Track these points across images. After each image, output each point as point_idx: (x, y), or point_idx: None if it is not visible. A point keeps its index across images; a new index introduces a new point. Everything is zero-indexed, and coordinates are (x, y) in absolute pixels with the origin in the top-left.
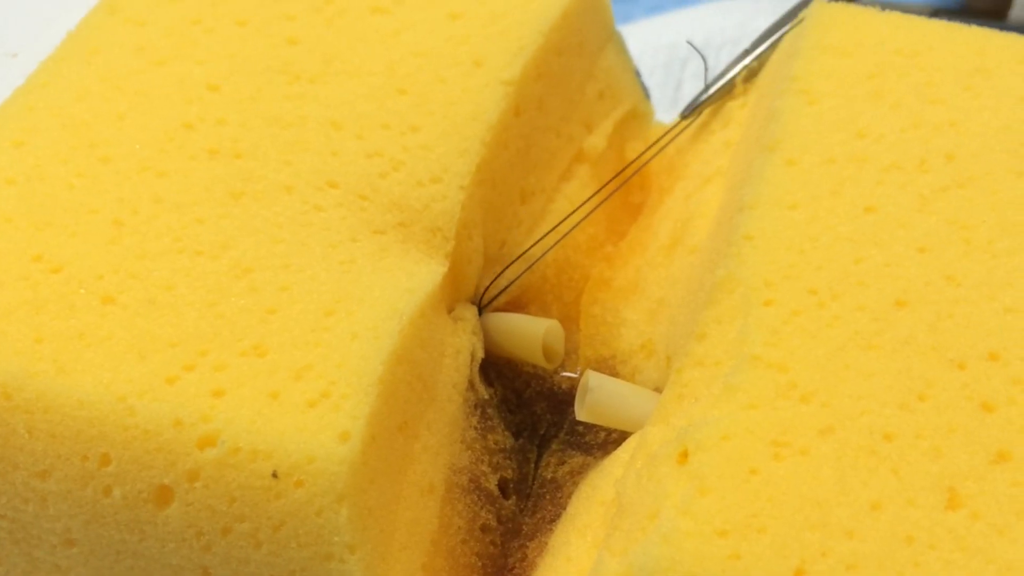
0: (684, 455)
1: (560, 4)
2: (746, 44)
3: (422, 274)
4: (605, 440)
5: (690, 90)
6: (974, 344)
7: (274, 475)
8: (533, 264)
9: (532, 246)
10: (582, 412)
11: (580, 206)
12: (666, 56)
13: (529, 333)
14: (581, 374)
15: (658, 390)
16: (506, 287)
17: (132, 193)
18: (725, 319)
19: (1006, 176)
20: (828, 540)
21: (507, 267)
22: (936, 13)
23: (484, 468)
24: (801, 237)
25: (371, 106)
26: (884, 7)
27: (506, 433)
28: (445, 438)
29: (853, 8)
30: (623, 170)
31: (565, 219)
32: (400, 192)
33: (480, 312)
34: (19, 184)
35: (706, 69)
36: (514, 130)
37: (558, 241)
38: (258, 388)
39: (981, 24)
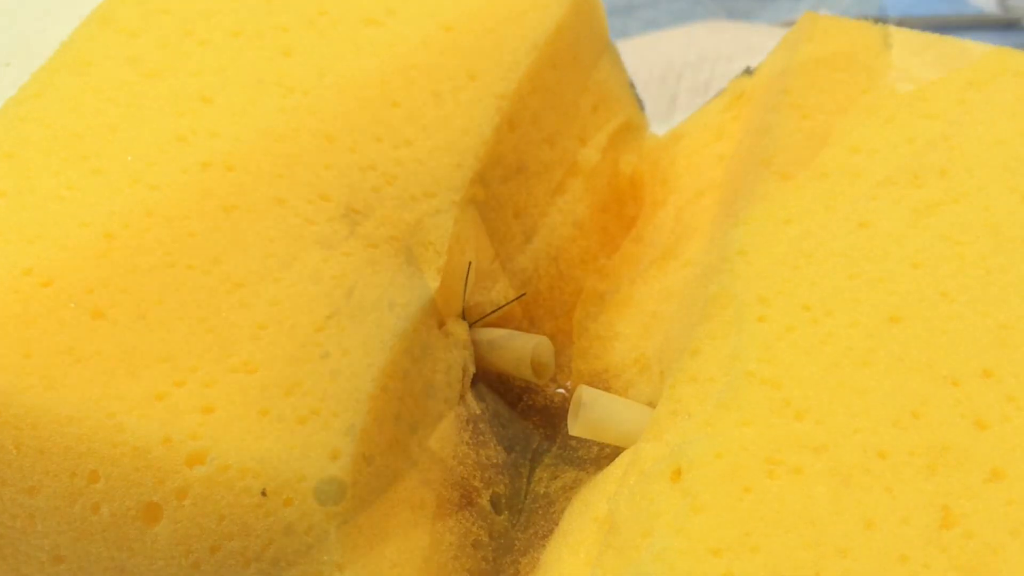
0: (677, 473)
1: (554, 17)
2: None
3: (414, 289)
4: (598, 455)
5: (685, 103)
6: (968, 361)
7: (263, 493)
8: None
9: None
10: (575, 427)
11: None
12: (662, 70)
13: (518, 349)
14: (574, 388)
15: (651, 404)
16: (499, 308)
17: (123, 206)
18: (719, 335)
19: (1000, 191)
20: (822, 559)
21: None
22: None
23: (476, 483)
24: (795, 252)
25: (364, 119)
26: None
27: (498, 448)
28: (436, 454)
29: (846, 21)
30: None
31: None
32: (393, 206)
33: (470, 326)
34: (9, 196)
35: None
36: (508, 144)
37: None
38: (248, 405)
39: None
